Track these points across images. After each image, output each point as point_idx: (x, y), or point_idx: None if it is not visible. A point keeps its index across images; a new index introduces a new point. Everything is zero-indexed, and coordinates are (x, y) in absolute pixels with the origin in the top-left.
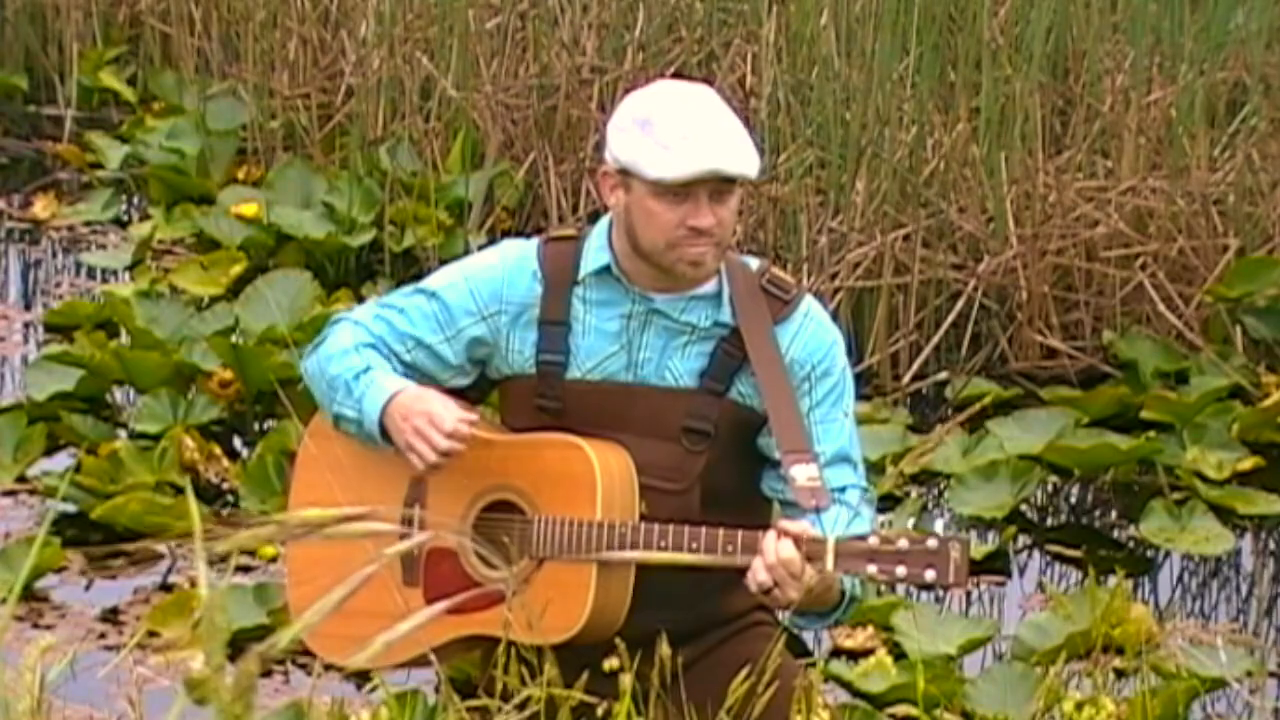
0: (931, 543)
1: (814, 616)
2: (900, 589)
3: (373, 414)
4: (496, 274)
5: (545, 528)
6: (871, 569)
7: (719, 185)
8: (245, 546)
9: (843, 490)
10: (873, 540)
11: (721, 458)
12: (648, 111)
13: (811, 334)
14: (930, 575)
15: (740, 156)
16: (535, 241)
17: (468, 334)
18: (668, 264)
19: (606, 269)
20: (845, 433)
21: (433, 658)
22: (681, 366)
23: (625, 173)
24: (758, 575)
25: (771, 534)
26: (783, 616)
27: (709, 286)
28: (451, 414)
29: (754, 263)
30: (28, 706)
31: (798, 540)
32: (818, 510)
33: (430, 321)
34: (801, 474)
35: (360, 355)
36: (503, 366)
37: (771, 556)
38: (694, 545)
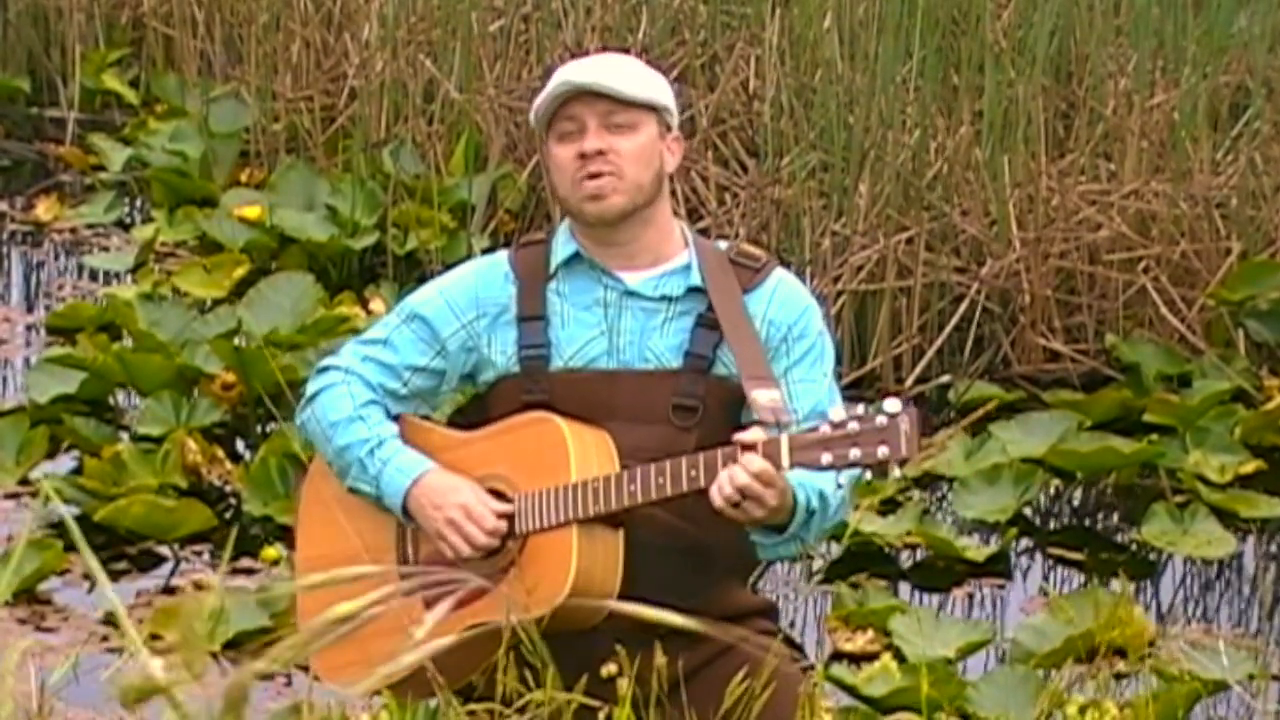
0: (881, 420)
1: (775, 536)
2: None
3: (394, 497)
4: (470, 282)
5: (525, 503)
6: (826, 457)
7: (609, 114)
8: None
9: None
10: (824, 428)
11: (711, 434)
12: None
13: (785, 298)
14: (883, 452)
15: (608, 74)
16: (505, 250)
17: (454, 345)
18: (577, 208)
19: (576, 255)
20: (824, 392)
21: (432, 673)
22: (662, 344)
23: (542, 138)
24: (724, 490)
25: (735, 450)
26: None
27: (678, 260)
28: (488, 509)
29: (723, 244)
30: (10, 712)
31: (760, 448)
32: (780, 427)
33: (417, 344)
34: (764, 396)
35: (367, 424)
36: (489, 371)
37: (744, 477)
38: (660, 480)
